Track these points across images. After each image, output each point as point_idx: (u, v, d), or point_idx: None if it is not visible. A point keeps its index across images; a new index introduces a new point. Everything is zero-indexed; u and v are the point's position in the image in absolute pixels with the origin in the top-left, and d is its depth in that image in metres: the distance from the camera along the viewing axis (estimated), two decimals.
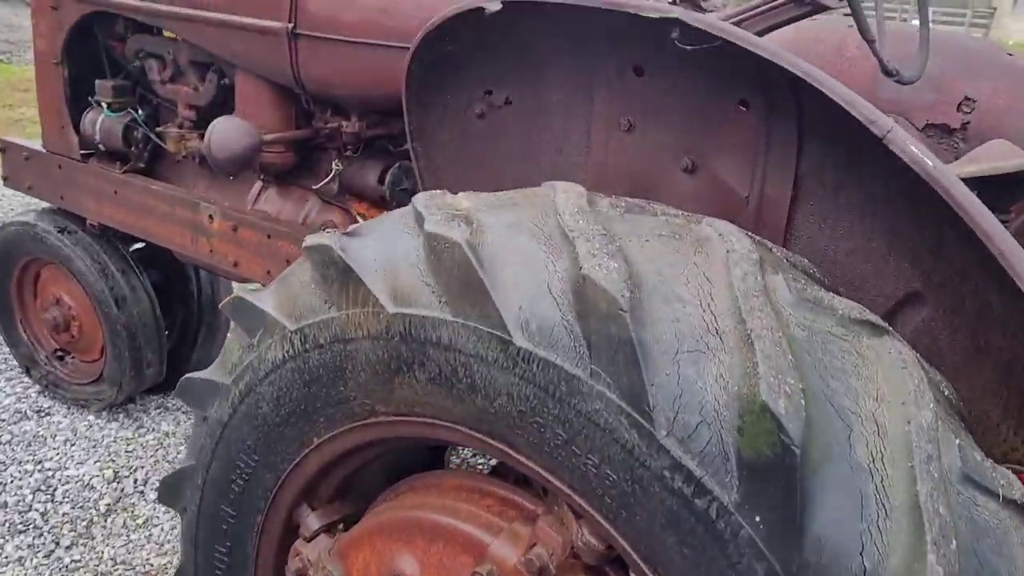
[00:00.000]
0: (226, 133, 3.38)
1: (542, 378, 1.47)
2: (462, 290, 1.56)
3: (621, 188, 2.18)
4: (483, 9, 2.03)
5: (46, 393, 5.22)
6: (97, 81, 4.33)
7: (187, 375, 2.17)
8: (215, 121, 3.44)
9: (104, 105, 4.29)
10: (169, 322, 5.09)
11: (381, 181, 3.69)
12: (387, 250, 1.71)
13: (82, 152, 4.46)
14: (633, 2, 1.85)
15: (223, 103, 4.00)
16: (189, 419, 5.13)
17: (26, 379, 5.32)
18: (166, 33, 4.02)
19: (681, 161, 2.06)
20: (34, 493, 4.28)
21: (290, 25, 3.34)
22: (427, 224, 1.67)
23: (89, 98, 4.36)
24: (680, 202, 1.97)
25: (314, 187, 3.80)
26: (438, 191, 1.91)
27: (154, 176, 4.40)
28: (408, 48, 3.00)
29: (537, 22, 2.10)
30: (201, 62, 3.98)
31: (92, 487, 4.39)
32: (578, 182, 2.26)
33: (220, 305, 2.03)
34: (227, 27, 3.59)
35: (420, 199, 1.84)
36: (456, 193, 2.61)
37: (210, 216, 3.90)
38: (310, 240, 1.86)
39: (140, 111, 4.33)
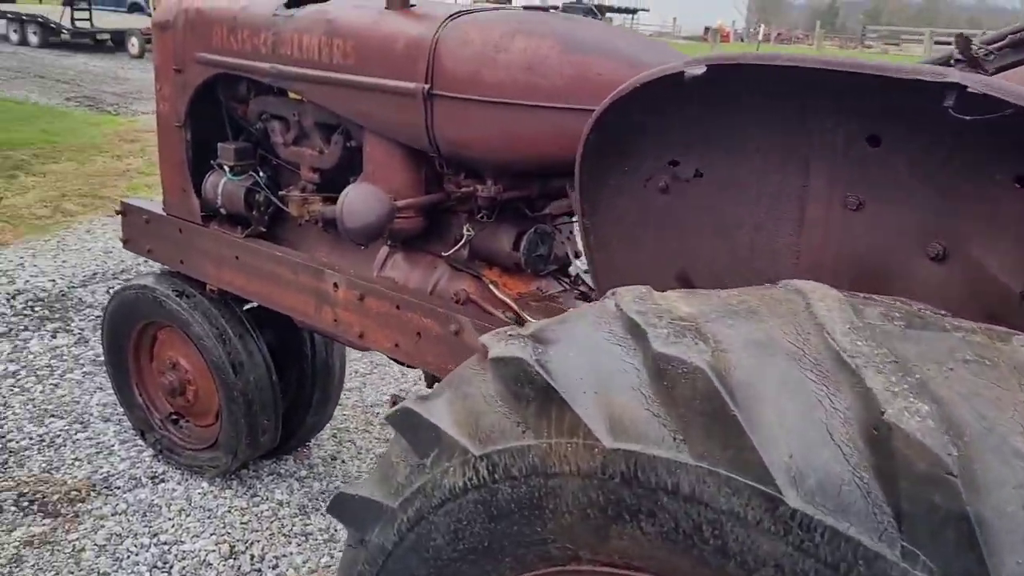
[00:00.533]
0: (359, 202, 3.18)
1: (828, 552, 1.14)
2: (707, 428, 1.26)
3: (843, 277, 1.85)
4: (683, 73, 1.75)
5: (160, 458, 5.11)
6: (219, 144, 4.23)
7: (342, 491, 1.92)
8: (347, 189, 3.25)
9: (226, 168, 4.18)
10: (283, 385, 4.93)
11: (516, 247, 3.44)
12: (597, 367, 1.42)
13: (203, 216, 4.35)
14: (879, 64, 1.53)
15: (348, 166, 3.83)
16: (303, 487, 4.95)
17: (140, 443, 5.23)
18: (291, 95, 3.88)
19: (928, 247, 1.72)
20: (151, 570, 4.12)
21: (426, 86, 3.13)
22: (653, 340, 1.37)
23: (211, 161, 4.26)
24: (924, 296, 1.63)
25: (444, 253, 3.57)
26: (642, 288, 1.62)
27: (275, 241, 4.25)
28: (555, 107, 2.76)
29: (743, 85, 1.80)
30: (327, 124, 3.83)
31: (209, 563, 4.21)
32: (786, 266, 1.95)
33: (384, 416, 1.77)
34: (358, 88, 3.42)
35: (627, 299, 1.55)
36: (631, 270, 2.36)
37: (335, 284, 3.71)
38: (496, 348, 1.59)
39: (262, 174, 4.21)
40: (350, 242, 3.84)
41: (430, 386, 3.94)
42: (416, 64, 3.18)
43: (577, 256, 3.65)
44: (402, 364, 3.71)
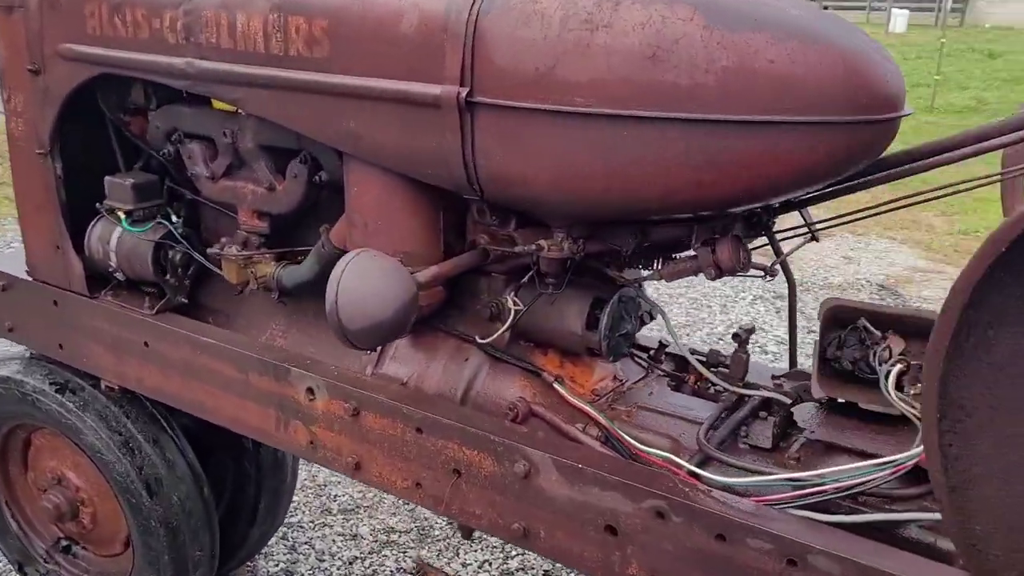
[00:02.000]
0: (367, 289, 1.94)
1: None
2: None
3: None
4: None
5: None
6: (108, 179, 2.89)
7: None
8: (345, 261, 1.98)
9: (121, 214, 2.83)
10: (217, 491, 3.62)
11: (591, 324, 2.27)
12: None
13: (90, 281, 2.99)
14: None
15: (316, 208, 2.57)
16: None
17: None
18: (217, 104, 2.57)
19: None
20: None
21: (462, 90, 1.92)
22: None
23: (97, 204, 2.89)
24: None
25: (478, 338, 2.37)
26: None
27: (203, 317, 2.95)
28: (698, 120, 1.66)
29: None
30: (280, 148, 2.55)
31: None
32: None
33: None
34: (335, 95, 2.17)
35: None
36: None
37: (310, 390, 2.45)
38: None
39: (176, 220, 2.88)
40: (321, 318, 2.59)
41: (467, 537, 2.73)
42: (442, 56, 1.95)
43: (652, 317, 2.50)
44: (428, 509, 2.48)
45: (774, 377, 2.37)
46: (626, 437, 2.13)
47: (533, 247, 2.13)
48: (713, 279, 2.04)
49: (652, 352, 2.60)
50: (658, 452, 2.07)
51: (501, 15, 1.88)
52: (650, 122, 1.78)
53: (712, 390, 2.46)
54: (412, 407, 2.27)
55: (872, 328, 2.10)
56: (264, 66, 2.30)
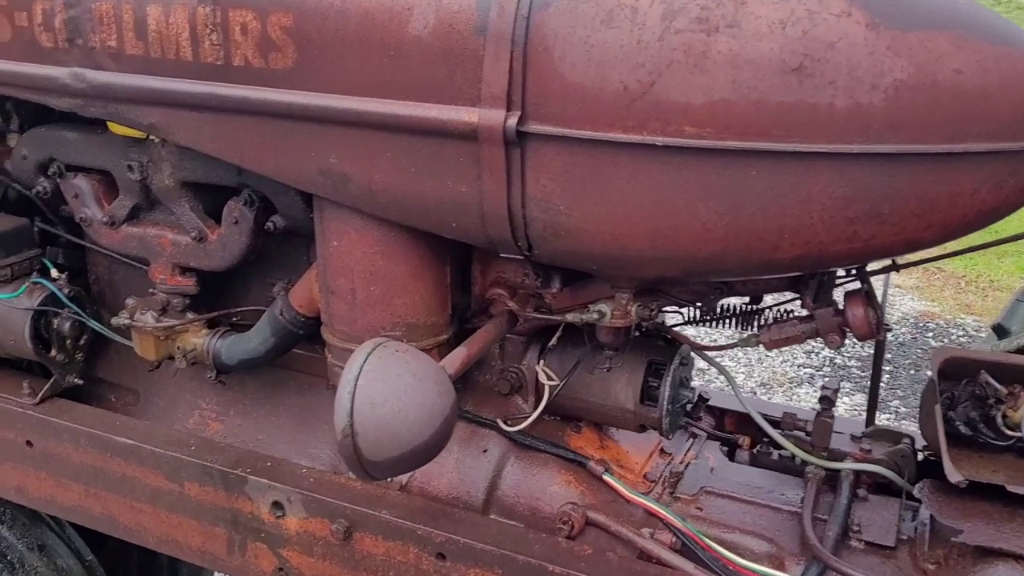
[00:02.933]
0: (398, 401, 1.35)
1: None
2: None
3: None
4: None
5: None
6: None
7: None
8: (358, 365, 1.38)
9: None
10: None
11: (646, 396, 1.80)
12: None
13: None
14: None
15: (263, 261, 1.95)
16: None
17: None
18: (115, 128, 1.89)
19: None
20: None
21: (511, 117, 1.37)
22: None
23: None
24: None
25: (503, 423, 1.84)
26: None
27: (104, 396, 2.28)
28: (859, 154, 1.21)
29: None
30: (212, 185, 1.90)
31: None
32: None
33: None
34: (311, 122, 1.56)
35: None
36: None
37: (277, 505, 1.86)
38: None
39: (57, 276, 2.17)
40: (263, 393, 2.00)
41: None
42: (477, 67, 1.40)
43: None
44: None
45: (854, 438, 1.96)
46: (718, 549, 1.67)
47: (594, 315, 1.61)
48: (837, 347, 1.59)
49: (691, 406, 2.14)
50: (767, 572, 1.62)
51: (569, 9, 1.33)
52: (792, 159, 1.29)
53: (775, 454, 2.04)
54: (429, 525, 1.72)
55: (995, 383, 1.72)
56: (193, 79, 1.65)
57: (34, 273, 2.18)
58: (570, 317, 1.66)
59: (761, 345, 1.66)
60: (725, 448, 2.10)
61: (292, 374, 2.18)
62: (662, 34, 1.29)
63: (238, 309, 2.09)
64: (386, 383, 1.37)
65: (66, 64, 1.77)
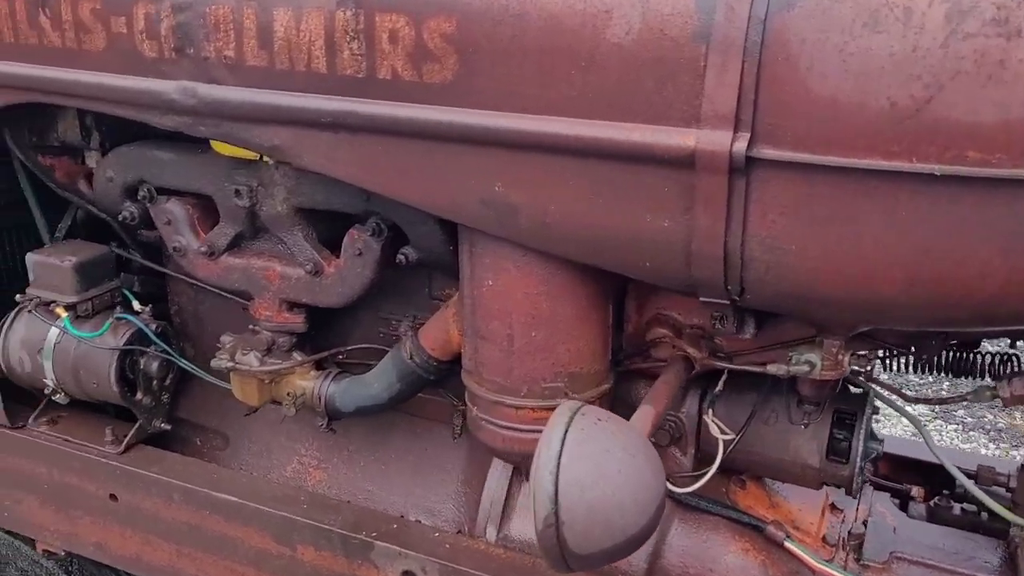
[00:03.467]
0: (610, 484, 1.12)
1: None
2: None
3: None
4: None
5: None
6: (31, 258, 1.94)
7: None
8: (556, 439, 1.16)
9: (60, 311, 1.89)
10: None
11: (833, 451, 1.57)
12: None
13: (8, 402, 2.04)
14: None
15: (370, 298, 1.74)
16: None
17: None
18: (221, 148, 1.67)
19: None
20: None
21: (739, 139, 1.14)
22: None
23: (17, 296, 1.95)
24: None
25: (673, 487, 1.61)
26: None
27: (190, 441, 2.08)
28: None
29: None
30: (332, 212, 1.68)
31: None
32: None
33: None
34: (475, 146, 1.34)
35: None
36: None
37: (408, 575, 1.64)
38: None
39: (141, 310, 1.96)
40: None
41: None
42: (697, 81, 1.17)
43: None
44: None
45: None
46: None
47: (803, 366, 1.38)
48: None
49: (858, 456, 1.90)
50: None
51: (819, 11, 1.10)
52: None
53: (956, 508, 1.81)
54: None
55: None
56: (327, 95, 1.42)
57: (117, 308, 1.97)
58: (772, 369, 1.43)
59: (1000, 401, 1.42)
60: (895, 500, 1.87)
61: (403, 416, 1.96)
62: (946, 39, 1.06)
63: (350, 347, 1.87)
64: (595, 461, 1.14)
65: (173, 77, 1.54)
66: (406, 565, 1.65)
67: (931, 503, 1.86)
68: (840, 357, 1.38)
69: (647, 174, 1.24)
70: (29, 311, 1.95)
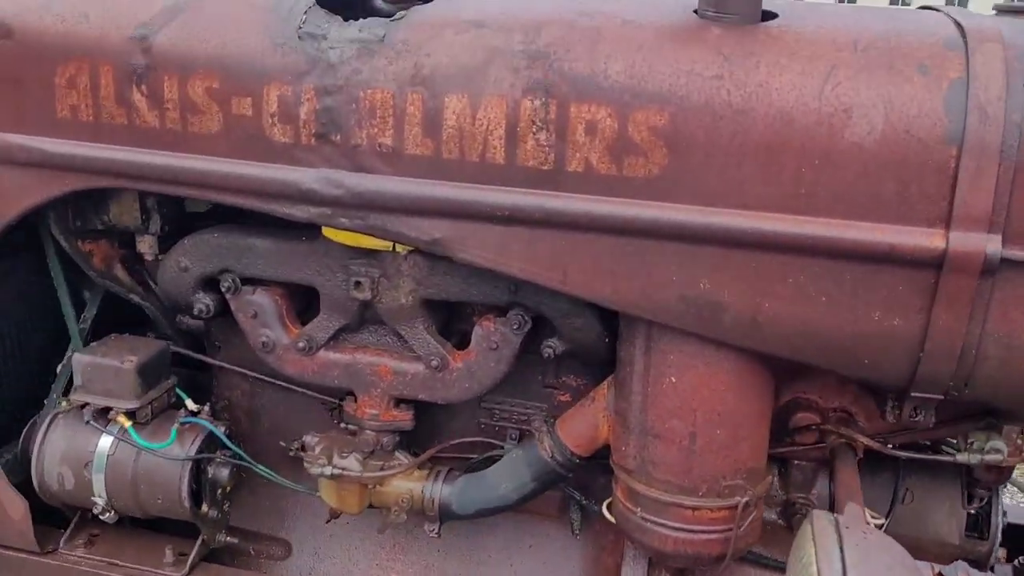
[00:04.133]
0: None
1: None
2: None
3: None
4: None
5: None
6: (79, 358, 1.71)
7: None
8: (830, 539, 1.11)
9: (122, 420, 1.67)
10: None
11: (972, 529, 1.61)
12: None
13: (38, 523, 1.78)
14: None
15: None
16: None
17: None
18: (336, 235, 1.52)
19: None
20: None
21: (992, 243, 1.16)
22: None
23: (61, 396, 1.72)
24: None
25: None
26: None
27: (243, 551, 1.87)
28: None
29: None
30: (462, 303, 1.58)
31: None
32: None
33: None
34: (680, 242, 1.29)
35: None
36: None
37: None
38: None
39: (198, 410, 1.75)
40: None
41: None
42: (945, 183, 1.17)
43: None
44: None
45: None
46: None
47: (994, 455, 1.40)
48: None
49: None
50: None
51: None
52: None
53: None
54: None
55: None
56: (506, 187, 1.33)
57: (182, 410, 1.75)
58: (962, 458, 1.44)
59: None
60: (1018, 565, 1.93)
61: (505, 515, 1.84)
62: None
63: (456, 441, 1.74)
64: None
65: (310, 164, 1.40)
66: None
67: (1016, 563, 1.94)
68: (1020, 443, 1.42)
69: (883, 273, 1.23)
70: (63, 416, 1.70)
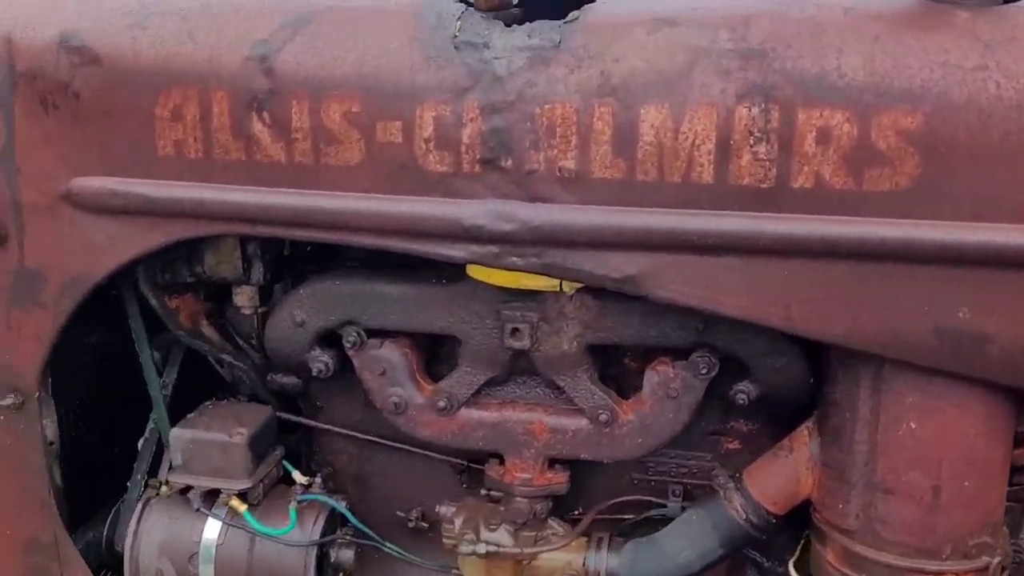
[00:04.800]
0: None
1: None
2: None
3: None
4: None
5: None
6: (178, 434, 1.46)
7: None
8: None
9: (235, 503, 1.44)
10: None
11: None
12: None
13: None
14: None
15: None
16: None
17: None
18: (487, 276, 1.30)
19: None
20: None
21: None
22: None
23: (149, 479, 1.50)
24: None
25: None
26: None
27: None
28: None
29: None
30: (633, 347, 1.39)
31: None
32: None
33: None
34: (937, 265, 1.08)
35: None
36: None
37: None
38: None
39: (311, 482, 1.53)
40: None
41: None
42: None
43: None
44: None
45: None
46: None
47: None
48: None
49: None
50: None
51: None
52: None
53: None
54: None
55: None
56: (716, 211, 1.13)
57: (297, 488, 1.51)
58: None
59: None
60: None
61: None
62: None
63: (612, 501, 1.53)
64: None
65: (474, 196, 1.18)
66: None
67: None
68: None
69: None
70: (155, 503, 1.47)
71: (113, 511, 1.57)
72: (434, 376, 1.48)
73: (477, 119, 1.16)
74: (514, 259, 1.21)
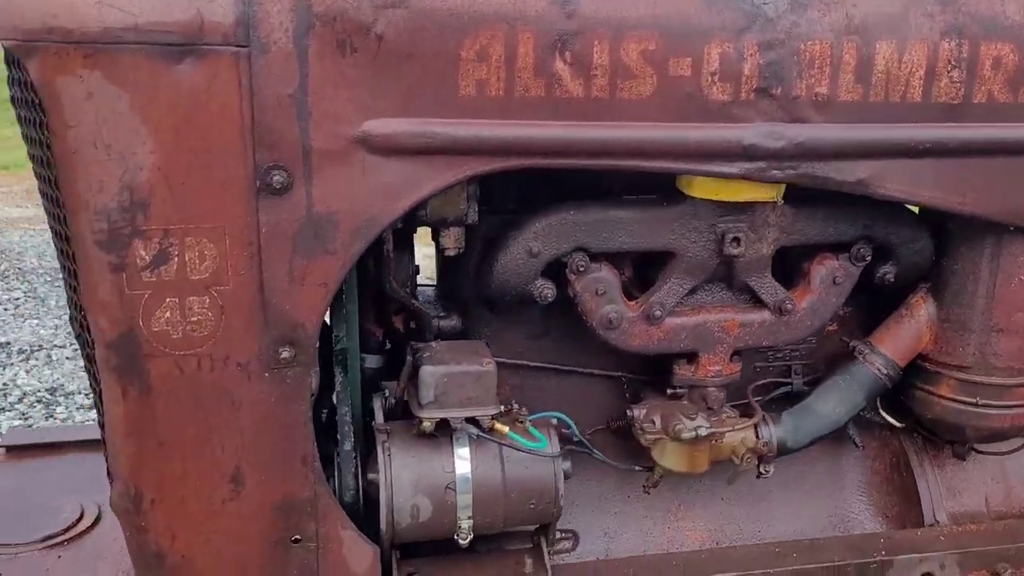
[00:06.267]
0: None
1: None
2: None
3: None
4: None
5: None
6: (431, 369, 1.51)
7: None
8: None
9: (503, 427, 1.55)
10: None
11: None
12: None
13: None
14: None
15: None
16: None
17: None
18: (702, 191, 1.55)
19: None
20: None
21: None
22: None
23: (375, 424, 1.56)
24: None
25: None
26: None
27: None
28: None
29: None
30: (810, 246, 1.71)
31: None
32: None
33: None
34: None
35: None
36: None
37: None
38: None
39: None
40: None
41: None
42: None
43: None
44: None
45: None
46: None
47: None
48: None
49: None
50: None
51: None
52: None
53: None
54: None
55: None
56: (921, 123, 1.48)
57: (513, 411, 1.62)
58: None
59: None
60: None
61: None
62: None
63: (758, 383, 1.82)
64: None
65: (747, 120, 1.41)
66: (925, 567, 1.72)
67: None
68: None
69: None
70: (400, 441, 1.51)
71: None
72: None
73: (756, 54, 1.39)
74: (775, 172, 1.46)
